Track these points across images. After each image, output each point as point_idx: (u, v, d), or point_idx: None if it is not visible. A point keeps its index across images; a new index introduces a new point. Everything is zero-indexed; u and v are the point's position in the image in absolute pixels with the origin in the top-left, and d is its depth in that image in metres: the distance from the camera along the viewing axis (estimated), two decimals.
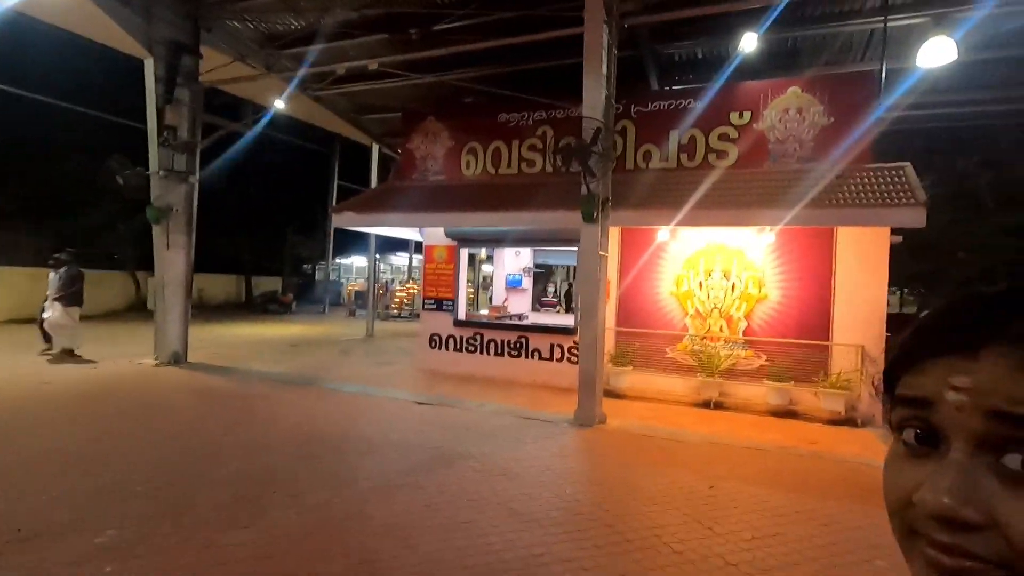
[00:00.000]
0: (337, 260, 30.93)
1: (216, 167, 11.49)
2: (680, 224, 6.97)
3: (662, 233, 7.86)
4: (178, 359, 8.96)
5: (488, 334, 9.04)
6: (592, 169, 5.74)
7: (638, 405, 7.44)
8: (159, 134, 8.61)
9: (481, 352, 9.05)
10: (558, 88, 8.12)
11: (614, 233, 8.19)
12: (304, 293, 25.77)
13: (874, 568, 3.27)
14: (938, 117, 10.15)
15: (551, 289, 15.49)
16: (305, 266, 30.49)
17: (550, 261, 13.72)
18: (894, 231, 7.04)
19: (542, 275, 15.72)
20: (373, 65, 8.18)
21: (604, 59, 6.03)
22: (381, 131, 13.51)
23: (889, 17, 7.09)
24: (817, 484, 4.71)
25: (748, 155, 7.40)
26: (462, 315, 9.39)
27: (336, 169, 22.84)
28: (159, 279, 8.97)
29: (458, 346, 9.21)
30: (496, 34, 7.64)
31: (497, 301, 11.85)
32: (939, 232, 12.50)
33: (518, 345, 8.80)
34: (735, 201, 6.80)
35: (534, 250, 12.16)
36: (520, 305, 11.99)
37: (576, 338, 8.35)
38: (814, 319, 7.27)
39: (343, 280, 29.31)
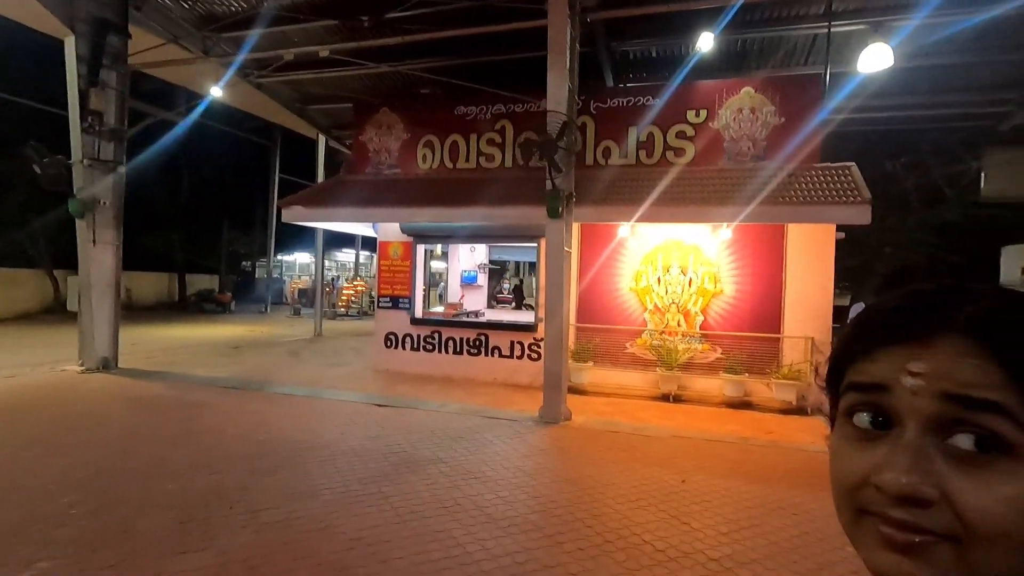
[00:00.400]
0: (279, 257, 29.67)
1: (147, 157, 10.67)
2: (640, 220, 7.01)
3: (622, 229, 7.90)
4: (108, 365, 8.24)
5: (447, 332, 8.83)
6: (558, 164, 5.66)
7: (599, 400, 7.46)
8: (82, 119, 7.86)
9: (440, 351, 8.83)
10: (517, 82, 7.99)
11: (574, 228, 8.17)
12: (243, 291, 24.56)
13: (847, 554, 3.35)
14: (872, 121, 10.73)
15: (506, 285, 15.40)
16: (244, 263, 29.07)
17: (505, 257, 13.61)
18: (838, 228, 7.36)
19: (497, 271, 15.60)
20: (324, 52, 7.77)
21: (568, 53, 5.95)
22: (328, 123, 12.95)
23: (832, 24, 7.38)
24: (780, 474, 4.83)
25: (705, 153, 7.54)
26: (419, 313, 9.13)
27: (278, 162, 21.85)
28: (84, 278, 8.21)
29: (415, 345, 8.95)
30: (453, 24, 7.42)
31: (452, 298, 11.65)
32: (867, 229, 13.33)
33: (478, 343, 8.65)
34: (693, 198, 6.91)
35: (489, 246, 12.02)
36: (475, 302, 11.82)
37: (537, 335, 8.29)
38: (766, 312, 7.50)
39: (285, 278, 28.11)
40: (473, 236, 9.07)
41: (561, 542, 3.41)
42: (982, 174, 10.80)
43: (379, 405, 6.82)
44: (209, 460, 4.67)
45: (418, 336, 8.94)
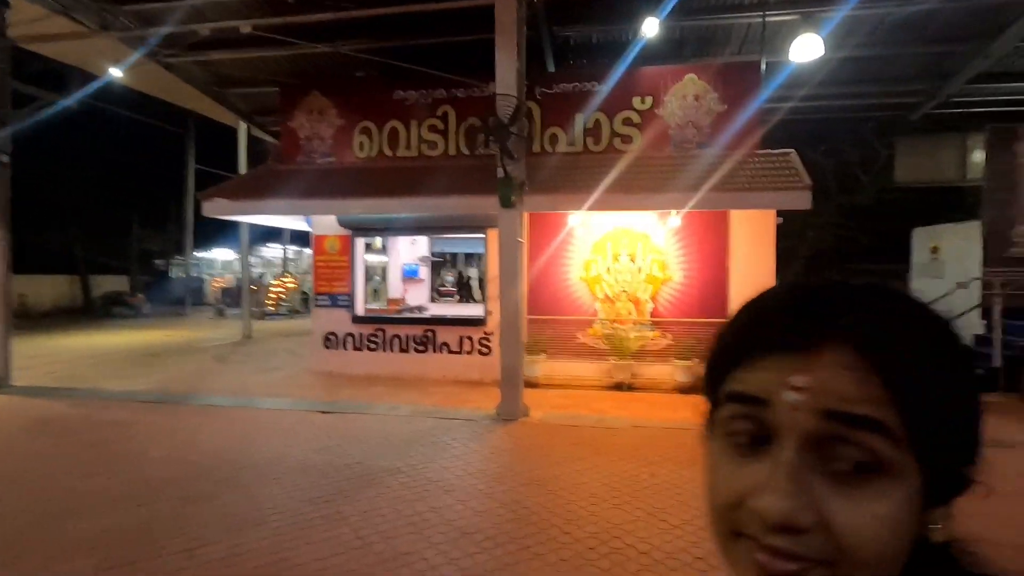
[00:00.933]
0: (197, 254, 27.63)
1: (37, 147, 9.43)
2: (592, 209, 6.89)
3: (571, 218, 7.77)
4: None
5: (392, 329, 8.40)
6: (511, 150, 5.40)
7: (554, 393, 7.33)
8: None
9: (385, 349, 8.39)
10: (460, 65, 7.63)
11: (523, 217, 7.95)
12: (158, 293, 22.65)
13: None
14: (797, 110, 11.18)
15: (450, 279, 15.01)
16: (157, 262, 26.82)
17: (447, 249, 13.20)
18: (777, 213, 7.58)
19: (440, 264, 15.17)
20: (246, 28, 7.07)
21: (517, 33, 5.68)
22: (250, 109, 11.98)
23: (766, 13, 7.53)
24: None
25: (651, 139, 7.52)
26: (361, 310, 8.63)
27: (193, 152, 20.23)
28: None
29: (358, 344, 8.46)
30: (389, 1, 6.95)
31: (393, 293, 11.17)
32: (791, 213, 14.04)
33: (425, 340, 8.28)
34: (642, 185, 6.86)
35: (431, 238, 11.61)
36: (418, 296, 11.41)
37: (487, 329, 8.05)
38: (714, 298, 7.63)
39: (205, 276, 26.22)
40: (417, 228, 8.66)
41: (541, 553, 3.21)
42: (895, 161, 11.57)
43: (324, 412, 6.35)
44: (132, 490, 4.10)
45: (361, 335, 8.45)
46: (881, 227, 13.99)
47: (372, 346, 8.43)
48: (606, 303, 7.90)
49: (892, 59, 9.24)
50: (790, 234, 16.07)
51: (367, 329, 8.44)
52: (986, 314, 8.66)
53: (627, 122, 7.56)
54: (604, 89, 7.58)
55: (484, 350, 8.06)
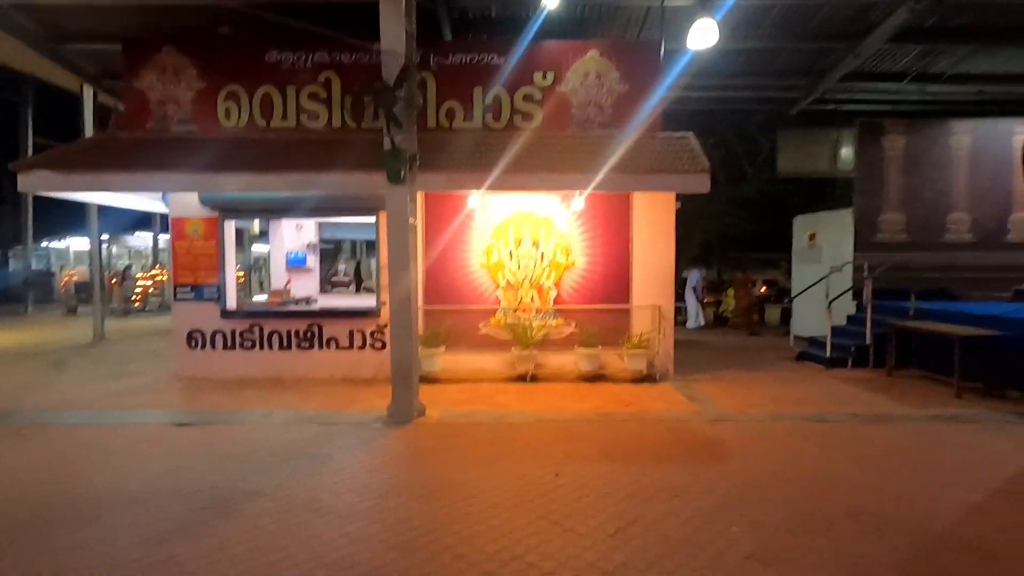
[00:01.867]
0: (45, 244, 23.87)
1: None
2: (491, 189, 6.41)
3: (470, 200, 7.24)
4: None
5: (269, 325, 7.42)
6: (398, 118, 4.75)
7: (454, 388, 6.81)
8: None
9: (262, 347, 7.40)
10: (346, 27, 6.79)
11: (418, 199, 7.32)
12: None
13: (734, 536, 3.14)
14: (685, 100, 11.41)
15: (343, 267, 13.95)
16: None
17: (339, 235, 12.18)
18: (676, 198, 7.56)
19: (331, 252, 14.03)
20: None
21: None
22: (97, 70, 10.19)
23: None
24: (649, 450, 4.65)
25: (553, 118, 7.16)
26: (232, 304, 7.56)
27: (30, 123, 17.27)
28: None
29: (229, 343, 7.40)
30: None
31: (277, 284, 10.05)
32: (685, 203, 14.59)
33: (309, 335, 7.41)
34: (544, 165, 6.49)
35: (319, 223, 10.60)
36: (306, 287, 10.38)
37: (380, 321, 7.35)
38: (616, 283, 7.48)
39: (55, 269, 22.72)
40: (298, 209, 7.70)
41: None
42: (777, 153, 12.23)
43: (181, 424, 5.37)
44: None
45: (233, 332, 7.39)
46: (766, 216, 14.90)
47: (247, 344, 7.40)
48: (508, 291, 7.49)
49: (777, 53, 9.61)
50: (683, 223, 16.74)
51: (240, 325, 7.39)
52: (857, 296, 9.32)
53: (528, 99, 7.15)
54: (504, 63, 7.10)
55: (378, 344, 7.35)
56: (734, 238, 16.86)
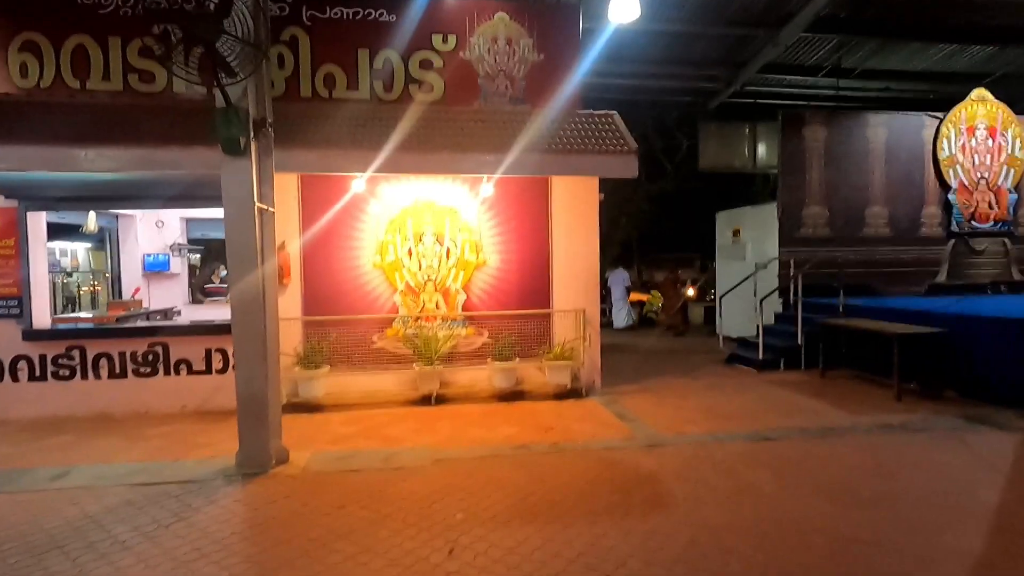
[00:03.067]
0: None
1: None
2: (380, 172, 5.19)
3: (357, 184, 5.96)
4: None
5: (96, 346, 5.74)
6: (226, 61, 3.43)
7: (339, 419, 5.51)
8: None
9: (84, 376, 5.71)
10: None
11: (290, 185, 5.94)
12: None
13: None
14: (610, 89, 10.73)
15: (224, 273, 12.03)
16: None
17: (212, 234, 10.38)
18: (600, 189, 6.68)
19: (211, 254, 12.07)
20: None
21: None
22: None
23: None
24: (575, 497, 3.63)
25: (456, 90, 6.04)
26: (44, 321, 5.81)
27: None
28: None
29: (38, 372, 5.64)
30: None
31: (127, 293, 8.26)
32: (607, 195, 14.02)
33: (150, 358, 5.81)
34: (446, 144, 5.36)
35: (186, 219, 8.88)
36: (168, 297, 8.64)
37: None
38: (535, 285, 6.48)
39: None
40: (135, 197, 6.08)
41: None
42: (698, 148, 11.82)
43: None
44: None
45: (42, 358, 5.64)
46: (685, 214, 14.60)
47: (64, 373, 5.68)
48: (408, 296, 6.28)
49: (698, 38, 9.05)
50: (604, 221, 16.24)
51: (53, 348, 5.66)
52: (783, 293, 8.93)
53: (425, 65, 5.98)
54: (396, 21, 5.90)
55: None
56: (653, 237, 16.52)
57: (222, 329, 5.95)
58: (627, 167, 5.48)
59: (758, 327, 7.93)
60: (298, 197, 5.98)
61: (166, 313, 7.95)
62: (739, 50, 9.42)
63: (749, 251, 10.17)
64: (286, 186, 5.93)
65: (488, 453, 4.48)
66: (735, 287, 9.07)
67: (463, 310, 6.35)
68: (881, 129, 9.40)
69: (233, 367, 5.76)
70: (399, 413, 5.68)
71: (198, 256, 10.69)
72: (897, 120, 9.51)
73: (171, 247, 8.94)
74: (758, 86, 10.81)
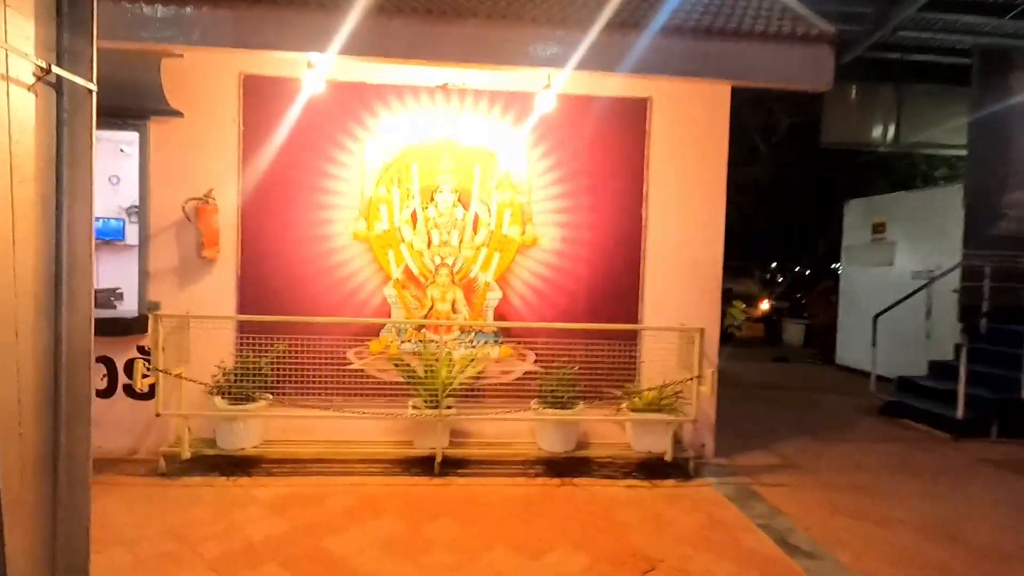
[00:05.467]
0: None
1: None
2: (349, 53, 2.80)
3: (309, 81, 3.57)
4: None
5: None
6: None
7: (270, 495, 3.16)
8: None
9: None
10: None
11: (223, 93, 3.66)
12: None
13: None
14: None
15: None
16: None
17: None
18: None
19: None
20: None
21: None
22: None
23: None
24: None
25: None
26: None
27: None
28: None
29: None
30: None
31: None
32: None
33: None
34: (494, 10, 2.91)
35: None
36: (121, 276, 6.54)
37: (142, 340, 3.68)
38: (615, 282, 3.95)
39: None
40: None
41: None
42: (823, 116, 8.96)
43: None
44: None
45: None
46: (784, 206, 11.72)
47: None
48: (408, 288, 3.87)
49: None
50: None
51: None
52: (968, 316, 6.06)
53: None
54: None
55: (142, 386, 3.59)
56: (738, 236, 13.55)
57: (109, 328, 3.69)
58: (819, 66, 2.89)
59: (937, 365, 5.16)
60: (238, 113, 3.67)
61: (112, 294, 5.86)
62: None
63: (900, 254, 7.30)
64: (215, 93, 3.65)
65: None
66: (894, 305, 6.17)
67: (496, 316, 3.89)
68: None
69: (121, 388, 3.52)
70: (375, 490, 3.28)
71: None
72: None
73: (127, 210, 6.87)
74: (908, 33, 7.90)
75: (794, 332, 10.96)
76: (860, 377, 7.03)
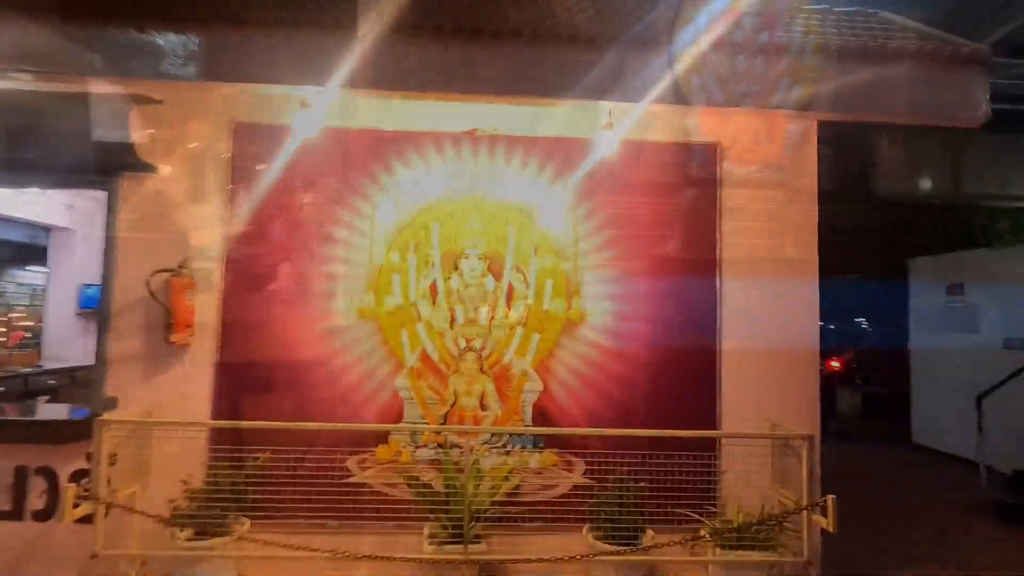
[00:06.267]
0: None
1: None
2: (356, 86, 2.17)
3: (303, 123, 2.94)
4: None
5: None
6: None
7: None
8: None
9: None
10: None
11: (210, 140, 3.06)
12: None
13: None
14: None
15: None
16: None
17: None
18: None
19: None
20: None
21: None
22: None
23: None
24: None
25: None
26: None
27: None
28: None
29: None
30: None
31: (51, 342, 5.72)
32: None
33: None
34: (516, 17, 2.28)
35: None
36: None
37: (87, 446, 2.90)
38: (683, 369, 3.14)
39: None
40: None
41: None
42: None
43: None
44: None
45: None
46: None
47: None
48: (425, 378, 3.10)
49: None
50: None
51: None
52: None
53: None
54: None
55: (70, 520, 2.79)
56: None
57: (45, 433, 2.95)
58: (971, 94, 2.18)
59: None
60: (228, 167, 3.05)
61: (71, 375, 5.18)
62: None
63: (986, 320, 6.37)
64: (200, 144, 3.05)
65: None
66: (1003, 383, 5.19)
67: (535, 414, 3.08)
68: None
69: (57, 513, 2.75)
70: None
71: None
72: None
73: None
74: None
75: (849, 401, 9.85)
76: (946, 461, 6.06)
